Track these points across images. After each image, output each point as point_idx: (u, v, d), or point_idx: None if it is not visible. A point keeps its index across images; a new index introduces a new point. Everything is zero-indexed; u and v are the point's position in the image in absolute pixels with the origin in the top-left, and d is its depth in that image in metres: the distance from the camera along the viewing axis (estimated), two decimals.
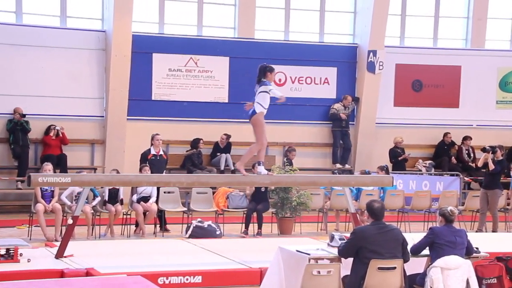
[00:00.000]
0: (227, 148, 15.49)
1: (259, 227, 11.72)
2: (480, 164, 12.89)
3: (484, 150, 12.53)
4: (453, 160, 16.66)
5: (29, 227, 10.95)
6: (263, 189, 11.80)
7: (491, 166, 12.36)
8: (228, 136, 15.44)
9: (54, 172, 11.92)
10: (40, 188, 10.64)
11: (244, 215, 11.86)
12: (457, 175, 15.41)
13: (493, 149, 12.45)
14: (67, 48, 14.81)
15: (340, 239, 7.31)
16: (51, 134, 14.22)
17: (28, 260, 8.30)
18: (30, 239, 10.47)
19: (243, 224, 11.80)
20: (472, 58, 17.21)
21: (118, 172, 11.57)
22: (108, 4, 14.86)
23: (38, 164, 13.92)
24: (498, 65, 17.37)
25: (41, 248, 9.52)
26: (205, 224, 11.19)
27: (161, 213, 11.72)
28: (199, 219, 11.32)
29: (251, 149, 9.35)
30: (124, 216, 11.45)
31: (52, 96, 14.68)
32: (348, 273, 6.80)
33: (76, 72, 14.89)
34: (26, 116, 14.12)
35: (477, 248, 7.25)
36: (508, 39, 17.71)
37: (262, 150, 9.43)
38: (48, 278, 7.27)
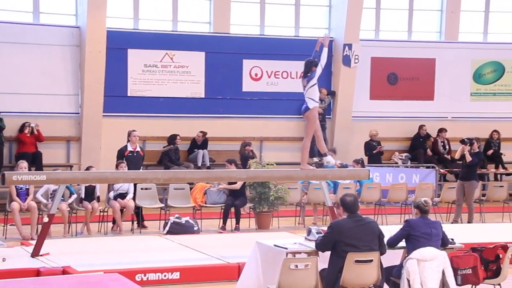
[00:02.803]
0: (204, 144, 15.48)
1: (237, 222, 11.72)
2: (457, 156, 13.02)
3: (462, 142, 12.67)
4: (429, 152, 16.80)
5: (4, 226, 10.85)
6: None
7: (468, 158, 12.50)
8: (204, 133, 15.43)
9: (30, 169, 11.81)
10: (15, 186, 10.54)
11: (222, 210, 11.86)
12: (432, 167, 15.55)
13: (470, 141, 12.59)
14: (41, 45, 14.65)
15: (317, 233, 7.34)
16: (26, 131, 14.08)
17: (3, 259, 8.23)
18: (5, 238, 10.38)
19: (221, 220, 11.80)
20: (446, 50, 17.36)
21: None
22: None
23: (13, 162, 13.79)
24: (472, 57, 17.53)
25: (17, 247, 9.45)
26: (183, 220, 11.17)
27: (138, 210, 11.68)
28: (176, 215, 11.30)
29: (304, 144, 9.56)
30: (101, 213, 11.39)
31: (26, 93, 14.54)
32: (326, 266, 6.84)
33: (50, 69, 14.75)
34: (0, 113, 13.97)
35: (452, 239, 7.33)
36: (481, 31, 17.88)
37: (321, 141, 9.61)
38: (24, 277, 7.23)
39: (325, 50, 9.34)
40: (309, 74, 9.36)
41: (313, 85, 9.27)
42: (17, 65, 14.49)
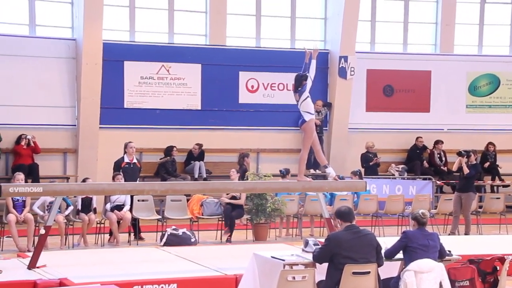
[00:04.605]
0: (200, 156, 15.47)
1: (230, 233, 11.70)
2: (454, 168, 13.05)
3: (459, 154, 12.71)
4: (425, 164, 16.82)
5: (0, 237, 10.81)
6: (237, 196, 11.82)
7: (466, 170, 12.54)
8: (200, 145, 15.44)
9: (26, 181, 11.79)
10: (12, 198, 10.52)
11: (220, 222, 11.84)
12: (429, 179, 15.56)
13: (467, 154, 12.64)
14: (37, 57, 14.67)
15: (314, 245, 7.34)
16: (22, 143, 14.06)
17: (0, 272, 8.19)
18: (1, 250, 10.35)
19: (218, 231, 11.77)
20: (442, 63, 17.43)
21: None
22: (78, 12, 14.77)
23: (10, 174, 13.77)
24: (467, 69, 17.61)
25: (13, 259, 9.40)
26: (180, 231, 11.15)
27: (135, 222, 11.67)
28: (173, 227, 11.28)
29: (302, 156, 9.54)
30: (98, 225, 11.36)
31: (23, 105, 14.53)
32: (323, 278, 6.83)
33: (47, 81, 14.77)
34: None
35: (449, 251, 7.34)
36: (476, 44, 17.97)
37: (319, 153, 9.64)
38: None
39: (313, 62, 9.39)
40: (299, 89, 9.39)
41: (306, 98, 9.29)
42: (14, 78, 14.50)
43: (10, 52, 14.43)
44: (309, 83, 9.29)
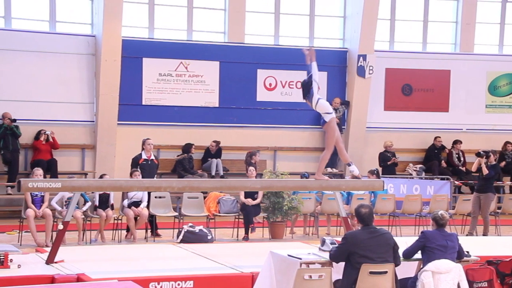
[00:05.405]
0: (218, 153, 15.49)
1: (246, 231, 11.69)
2: (474, 168, 12.95)
3: (478, 155, 12.61)
4: (443, 164, 16.71)
5: (19, 232, 10.90)
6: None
7: (485, 171, 12.44)
8: (218, 143, 15.45)
9: (45, 177, 11.87)
10: (31, 194, 10.59)
11: (238, 220, 11.85)
12: (447, 179, 15.47)
13: (486, 154, 12.54)
14: (57, 53, 14.77)
15: (331, 244, 7.32)
16: (42, 139, 14.17)
17: (19, 266, 8.25)
18: (20, 245, 10.42)
19: (234, 229, 11.78)
20: (461, 62, 17.31)
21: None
22: (97, 9, 14.84)
23: (29, 169, 13.86)
24: (487, 69, 17.47)
25: (32, 253, 9.47)
26: (196, 229, 11.17)
27: (152, 218, 11.70)
28: (190, 224, 11.31)
29: (324, 156, 9.47)
30: (115, 221, 11.42)
31: (42, 101, 14.63)
32: (339, 277, 6.81)
33: (66, 77, 14.85)
34: (16, 121, 14.06)
35: (468, 252, 7.28)
36: (496, 43, 17.82)
37: (342, 152, 9.63)
38: (38, 284, 7.25)
39: (314, 64, 9.31)
40: (308, 95, 9.34)
41: (318, 100, 9.20)
42: (34, 73, 14.61)
43: (30, 48, 14.54)
44: (315, 86, 9.21)
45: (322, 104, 9.24)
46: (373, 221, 6.88)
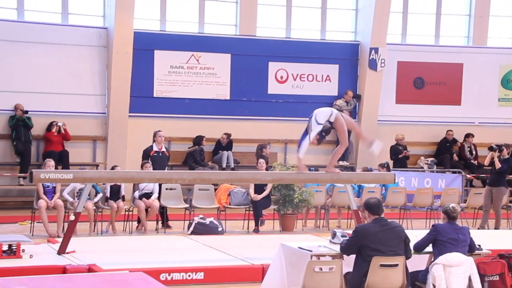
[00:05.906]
0: (228, 146, 15.51)
1: (256, 224, 11.70)
2: (486, 162, 12.89)
3: (491, 148, 12.55)
4: (455, 157, 16.65)
5: (31, 223, 10.96)
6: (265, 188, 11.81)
7: (498, 165, 12.38)
8: (229, 135, 15.46)
9: (56, 168, 11.92)
10: (42, 185, 10.65)
11: (248, 212, 11.85)
12: (459, 172, 15.41)
13: (499, 148, 12.48)
14: (69, 45, 14.81)
15: (342, 236, 7.30)
16: (53, 130, 14.23)
17: (31, 256, 8.32)
18: (32, 235, 10.48)
19: (245, 221, 11.78)
20: (474, 55, 17.20)
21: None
22: (109, 1, 14.86)
23: (40, 161, 13.94)
24: (500, 62, 17.35)
25: (43, 244, 9.53)
26: (207, 220, 11.19)
27: (163, 210, 11.73)
28: (201, 216, 11.32)
29: (338, 150, 9.52)
30: (126, 213, 11.45)
31: (54, 93, 14.69)
32: (350, 269, 6.80)
33: (78, 69, 14.90)
34: (28, 112, 14.13)
35: (479, 245, 7.25)
36: (510, 36, 17.69)
37: (362, 135, 9.91)
38: (50, 274, 7.30)
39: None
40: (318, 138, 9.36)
41: (311, 131, 9.20)
42: (46, 65, 14.66)
43: (42, 40, 14.58)
44: (311, 135, 9.25)
45: (314, 122, 9.20)
46: (383, 212, 6.85)
